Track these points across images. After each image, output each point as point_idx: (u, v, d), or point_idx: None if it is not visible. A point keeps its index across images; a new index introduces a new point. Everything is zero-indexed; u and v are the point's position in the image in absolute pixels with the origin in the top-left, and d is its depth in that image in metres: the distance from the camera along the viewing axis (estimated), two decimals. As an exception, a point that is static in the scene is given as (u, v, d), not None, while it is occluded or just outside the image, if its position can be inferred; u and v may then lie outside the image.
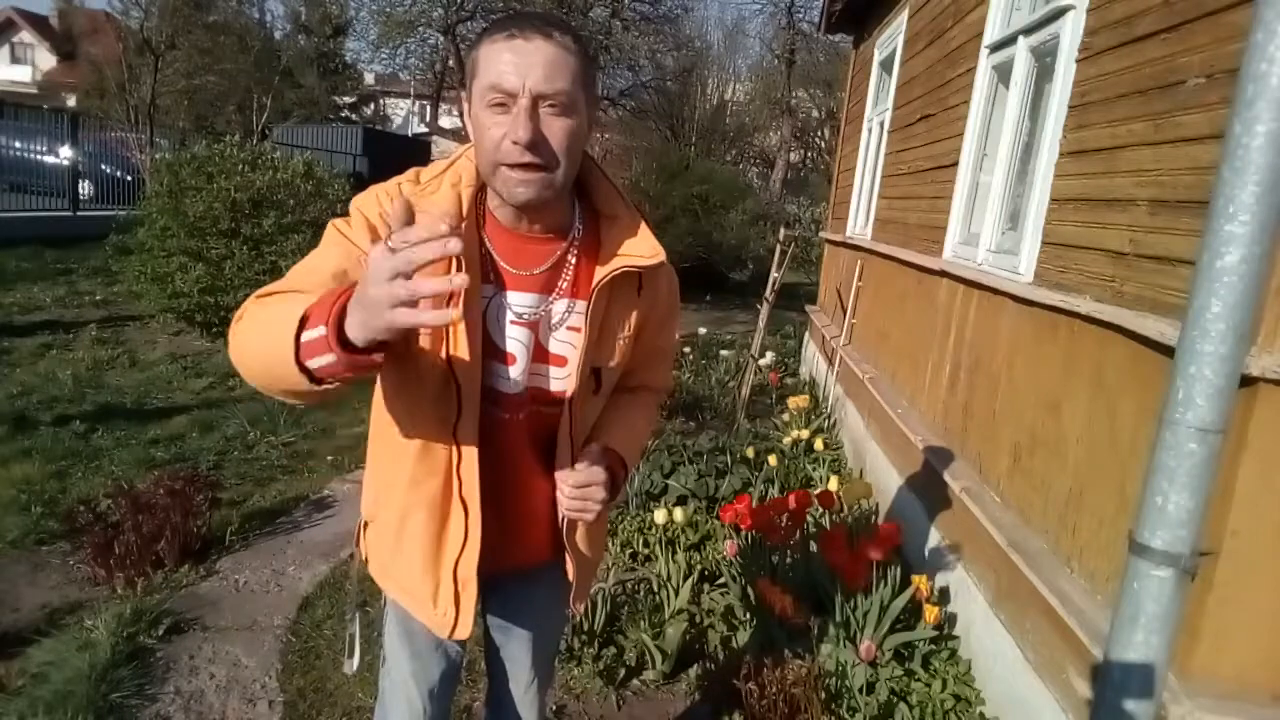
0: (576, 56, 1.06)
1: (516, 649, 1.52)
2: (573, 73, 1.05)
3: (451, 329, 1.10)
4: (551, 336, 1.21)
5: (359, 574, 1.42)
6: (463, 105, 1.13)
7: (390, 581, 1.32)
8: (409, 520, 1.23)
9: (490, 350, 1.17)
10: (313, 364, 0.89)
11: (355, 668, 1.49)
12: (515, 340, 1.18)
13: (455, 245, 0.79)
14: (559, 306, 1.20)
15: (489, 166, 1.08)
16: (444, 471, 1.19)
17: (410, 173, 1.20)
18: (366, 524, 1.36)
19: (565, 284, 1.20)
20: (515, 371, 1.19)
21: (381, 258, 0.80)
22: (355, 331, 0.85)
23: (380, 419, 1.26)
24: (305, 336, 0.89)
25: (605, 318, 1.22)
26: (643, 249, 1.20)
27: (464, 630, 1.25)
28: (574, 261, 1.20)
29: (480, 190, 1.17)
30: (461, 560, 1.22)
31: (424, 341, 1.12)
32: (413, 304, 0.79)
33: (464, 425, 1.16)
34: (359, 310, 0.84)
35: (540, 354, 1.21)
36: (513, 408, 1.21)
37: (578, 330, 1.21)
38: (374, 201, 1.15)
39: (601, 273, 1.18)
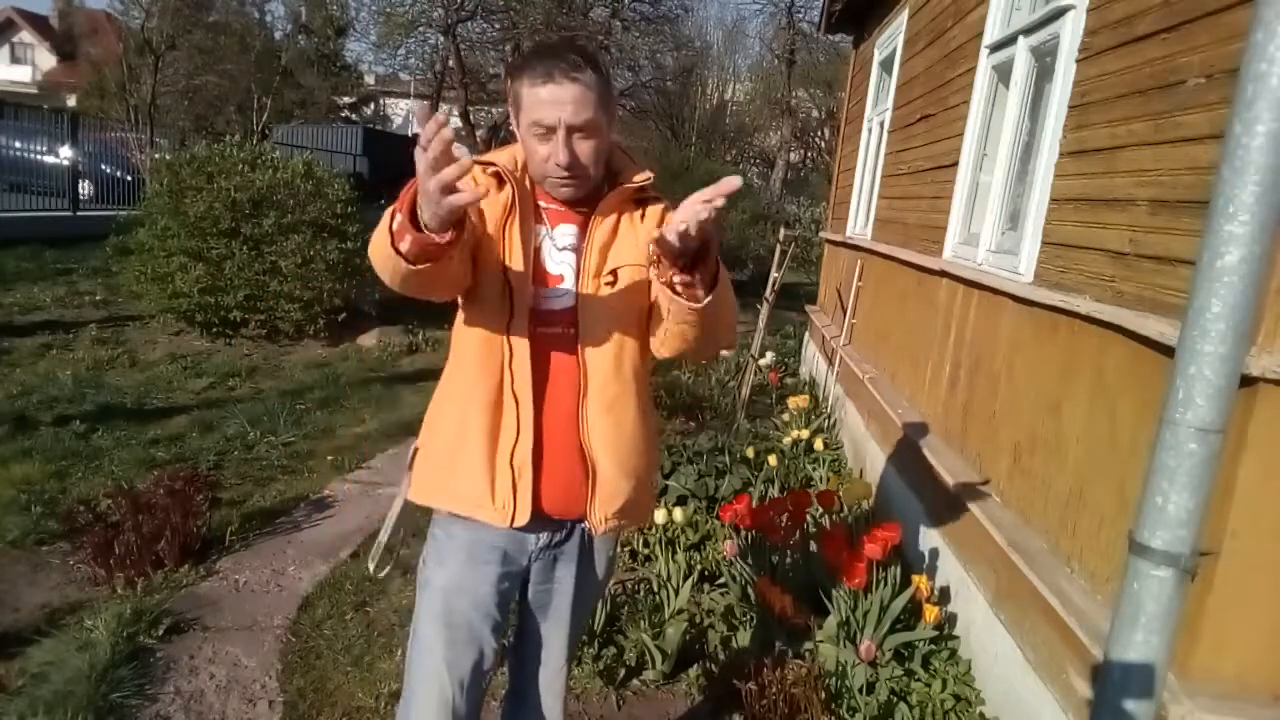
0: (596, 88, 1.33)
1: (551, 631, 1.59)
2: (594, 102, 1.33)
3: (506, 247, 1.37)
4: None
5: (408, 504, 1.57)
6: (513, 124, 1.42)
7: (446, 492, 1.45)
8: (468, 422, 1.40)
9: (543, 276, 1.42)
10: (401, 246, 1.18)
11: (374, 570, 1.60)
12: (564, 264, 1.44)
13: (449, 133, 1.05)
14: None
15: (540, 176, 1.41)
16: (498, 370, 1.39)
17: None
18: (417, 450, 1.51)
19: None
20: (563, 290, 1.43)
21: (419, 157, 1.07)
22: (426, 218, 1.13)
23: (454, 348, 1.47)
24: (395, 225, 1.18)
25: (614, 228, 1.45)
26: (635, 176, 1.47)
27: (522, 516, 1.39)
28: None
29: None
30: (516, 449, 1.39)
31: (488, 259, 1.38)
32: (453, 190, 1.08)
33: (515, 324, 1.38)
34: (424, 203, 1.12)
35: (580, 281, 1.43)
36: (563, 322, 1.42)
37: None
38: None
39: (604, 195, 1.44)
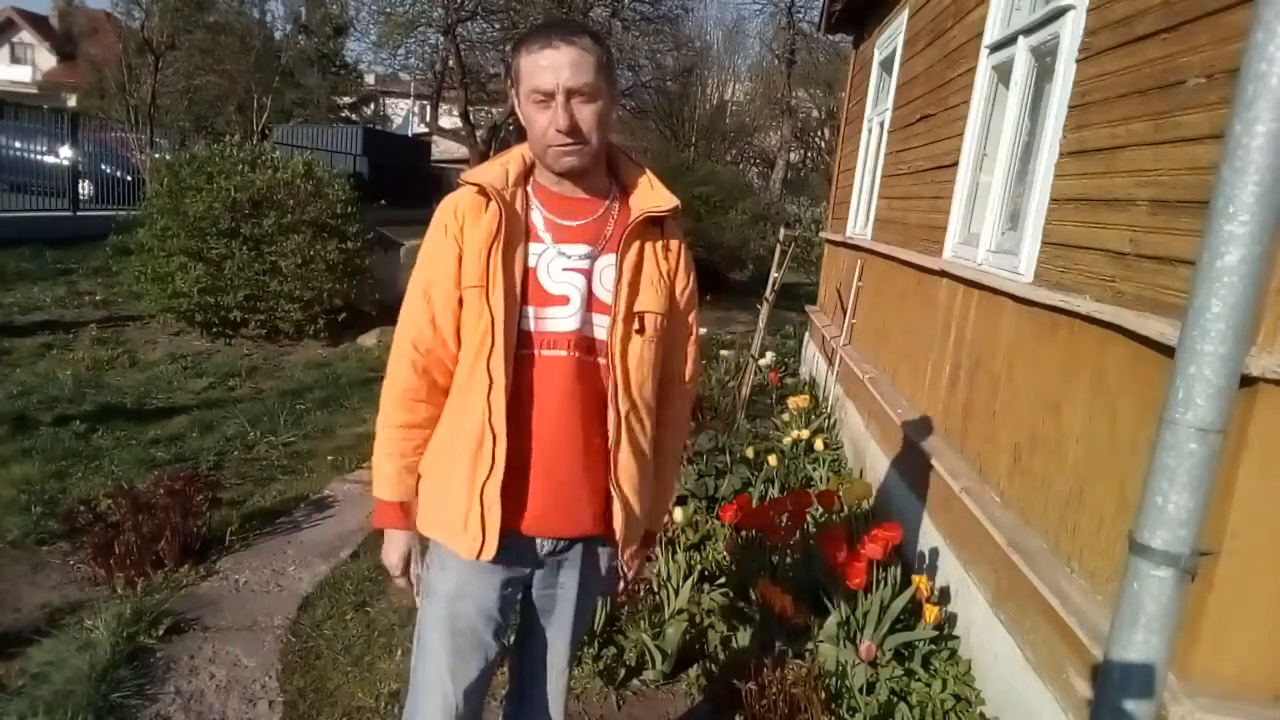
0: (594, 53, 1.32)
1: (554, 633, 1.59)
2: (593, 66, 1.32)
3: (490, 274, 1.34)
4: (600, 285, 1.41)
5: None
6: (513, 102, 1.40)
7: (431, 519, 1.46)
8: (454, 453, 1.40)
9: (541, 297, 1.38)
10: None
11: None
12: (569, 284, 1.40)
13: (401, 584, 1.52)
14: (604, 260, 1.41)
15: (541, 148, 1.37)
16: (481, 403, 1.36)
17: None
18: (420, 477, 1.49)
19: (609, 235, 1.43)
20: (569, 311, 1.39)
21: (393, 565, 1.51)
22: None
23: (454, 380, 1.45)
24: (377, 498, 1.47)
25: (639, 264, 1.43)
26: (659, 200, 1.45)
27: (489, 551, 1.38)
28: (614, 219, 1.44)
29: (530, 169, 1.44)
30: (488, 483, 1.37)
31: (471, 290, 1.36)
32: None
33: (495, 357, 1.34)
34: (385, 543, 1.52)
35: (591, 303, 1.41)
36: (565, 345, 1.39)
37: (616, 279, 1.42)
38: (442, 208, 1.43)
39: (629, 222, 1.42)
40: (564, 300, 1.39)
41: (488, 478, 1.36)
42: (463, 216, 1.38)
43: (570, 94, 1.30)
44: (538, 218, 1.41)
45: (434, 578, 1.48)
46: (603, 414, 1.41)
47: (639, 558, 1.59)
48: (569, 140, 1.32)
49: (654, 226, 1.46)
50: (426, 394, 1.43)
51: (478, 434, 1.36)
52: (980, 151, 3.48)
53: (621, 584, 1.65)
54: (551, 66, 1.29)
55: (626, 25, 18.57)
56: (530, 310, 1.38)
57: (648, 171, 1.50)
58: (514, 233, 1.37)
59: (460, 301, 1.39)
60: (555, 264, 1.39)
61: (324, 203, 7.11)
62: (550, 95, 1.30)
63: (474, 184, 1.38)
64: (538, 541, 1.47)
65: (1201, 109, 1.81)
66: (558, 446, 1.40)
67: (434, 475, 1.44)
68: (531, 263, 1.38)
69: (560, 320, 1.39)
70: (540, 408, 1.38)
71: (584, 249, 1.40)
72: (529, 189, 1.43)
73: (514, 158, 1.44)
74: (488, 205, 1.37)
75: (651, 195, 1.45)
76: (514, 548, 1.43)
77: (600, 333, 1.40)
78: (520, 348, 1.37)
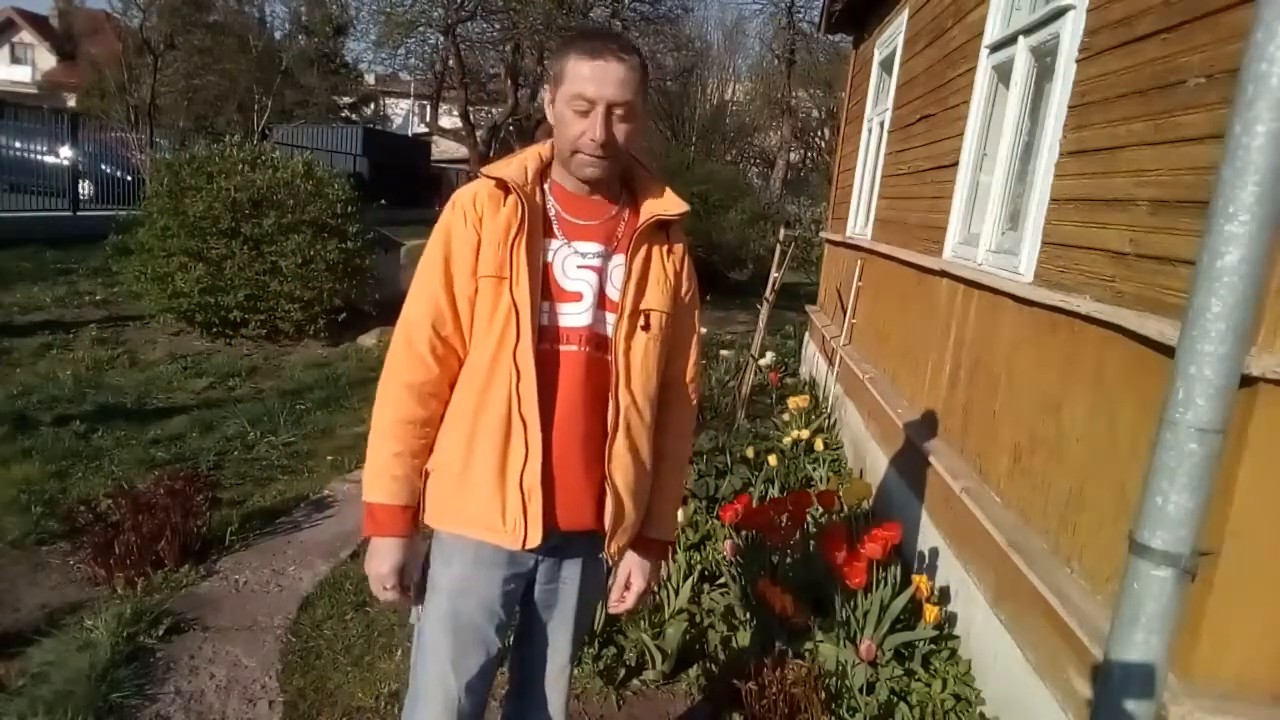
0: (639, 73, 1.37)
1: (556, 629, 1.59)
2: (636, 86, 1.36)
3: (512, 267, 1.37)
4: (611, 284, 1.45)
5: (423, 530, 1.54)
6: (546, 98, 1.44)
7: (455, 516, 1.44)
8: (476, 445, 1.39)
9: (557, 293, 1.41)
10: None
11: (414, 618, 1.55)
12: (582, 281, 1.43)
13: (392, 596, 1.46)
14: (616, 260, 1.45)
15: (568, 150, 1.40)
16: (506, 394, 1.37)
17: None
18: (429, 474, 1.47)
19: (620, 236, 1.46)
20: (582, 308, 1.43)
21: (385, 576, 1.42)
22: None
23: (463, 373, 1.45)
24: (377, 503, 1.42)
25: (646, 264, 1.47)
26: (669, 205, 1.49)
27: (534, 538, 1.39)
28: (625, 220, 1.48)
29: (546, 167, 1.47)
30: (526, 471, 1.38)
31: (487, 280, 1.38)
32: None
33: (521, 348, 1.36)
34: (371, 553, 1.44)
35: (602, 301, 1.44)
36: (577, 340, 1.42)
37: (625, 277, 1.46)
38: (455, 202, 1.44)
39: (639, 224, 1.46)
40: (578, 296, 1.42)
41: (524, 466, 1.37)
42: (482, 207, 1.40)
43: (611, 108, 1.34)
44: (553, 215, 1.44)
45: (436, 572, 1.48)
46: (604, 400, 1.43)
47: (647, 573, 1.59)
48: (600, 152, 1.36)
49: (661, 230, 1.50)
50: (438, 387, 1.42)
51: (504, 425, 1.37)
52: (980, 151, 3.48)
53: (613, 583, 1.63)
54: (599, 79, 1.32)
55: (626, 25, 18.55)
56: (546, 305, 1.40)
57: (659, 179, 1.53)
58: (535, 228, 1.39)
59: (475, 291, 1.39)
60: (570, 261, 1.42)
61: (324, 203, 7.10)
62: (593, 104, 1.33)
63: (494, 178, 1.40)
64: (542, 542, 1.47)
65: (1201, 109, 1.81)
66: (566, 440, 1.41)
67: (451, 472, 1.42)
68: (548, 258, 1.41)
69: (574, 316, 1.41)
70: (552, 401, 1.39)
71: (597, 247, 1.43)
72: (545, 186, 1.45)
73: (531, 156, 1.46)
74: (506, 199, 1.39)
75: (662, 201, 1.49)
76: None
77: (611, 329, 1.43)
78: (538, 341, 1.38)
